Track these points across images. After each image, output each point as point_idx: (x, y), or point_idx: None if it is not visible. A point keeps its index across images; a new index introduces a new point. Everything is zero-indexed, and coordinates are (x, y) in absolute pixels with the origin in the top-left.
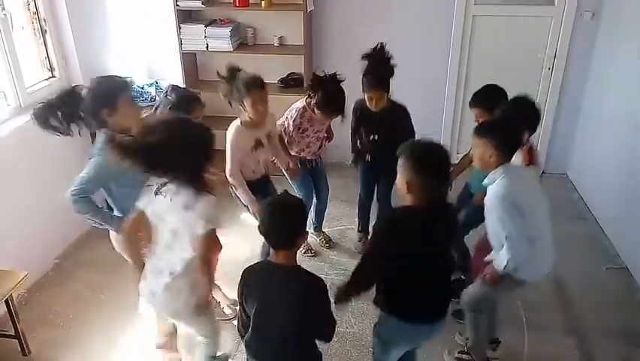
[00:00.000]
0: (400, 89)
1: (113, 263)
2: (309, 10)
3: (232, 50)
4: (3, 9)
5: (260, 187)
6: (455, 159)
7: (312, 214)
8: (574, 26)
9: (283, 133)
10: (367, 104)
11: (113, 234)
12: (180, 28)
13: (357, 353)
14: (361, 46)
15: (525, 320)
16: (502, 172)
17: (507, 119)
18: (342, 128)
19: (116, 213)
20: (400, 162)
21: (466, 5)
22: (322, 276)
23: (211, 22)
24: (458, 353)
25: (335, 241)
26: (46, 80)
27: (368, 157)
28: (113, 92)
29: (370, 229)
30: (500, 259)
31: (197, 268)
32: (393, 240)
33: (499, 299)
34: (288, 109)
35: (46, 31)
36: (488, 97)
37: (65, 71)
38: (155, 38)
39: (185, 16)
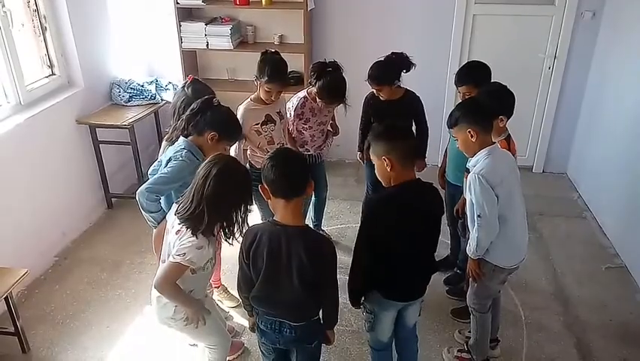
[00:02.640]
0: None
1: (112, 261)
2: (309, 9)
3: (232, 48)
4: (3, 6)
5: None
6: None
7: (311, 213)
8: (574, 26)
9: (286, 123)
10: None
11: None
12: (181, 25)
13: (357, 351)
14: (361, 44)
15: (524, 319)
16: (486, 153)
17: (466, 100)
18: (345, 126)
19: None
20: (371, 152)
21: (467, 4)
22: None
23: (211, 20)
24: (458, 351)
25: (335, 239)
26: (46, 77)
27: None
28: (237, 130)
29: None
30: (471, 242)
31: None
32: (381, 219)
33: (495, 293)
34: (289, 99)
35: (46, 28)
36: (473, 73)
37: (65, 68)
38: (155, 36)
39: (186, 14)
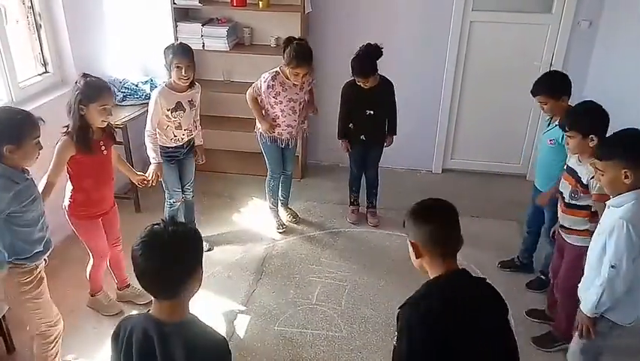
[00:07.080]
0: (396, 93)
1: None
2: (306, 12)
3: (228, 49)
4: None
5: (177, 154)
6: (451, 164)
7: (280, 191)
8: (571, 35)
9: (255, 94)
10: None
11: None
12: (177, 26)
13: (346, 357)
14: (358, 49)
15: None
16: (635, 197)
17: (628, 132)
18: (334, 131)
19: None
20: (406, 229)
21: (464, 11)
22: (314, 279)
23: (208, 21)
24: None
25: (327, 243)
26: (39, 75)
27: (363, 136)
28: (20, 129)
29: (361, 201)
30: (589, 295)
31: None
32: (426, 326)
33: (601, 349)
34: (262, 74)
35: (40, 26)
36: (552, 82)
37: (59, 66)
38: (151, 36)
39: (182, 15)
